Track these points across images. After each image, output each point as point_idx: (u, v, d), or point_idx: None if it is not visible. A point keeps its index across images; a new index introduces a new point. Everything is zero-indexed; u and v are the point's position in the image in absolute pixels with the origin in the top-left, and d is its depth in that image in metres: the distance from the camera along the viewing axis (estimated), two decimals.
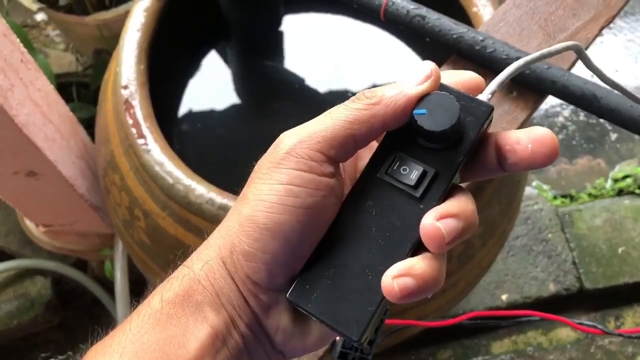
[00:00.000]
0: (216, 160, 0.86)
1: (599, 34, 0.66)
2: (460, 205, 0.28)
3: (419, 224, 0.28)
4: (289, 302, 0.29)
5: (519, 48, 0.62)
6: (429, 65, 0.29)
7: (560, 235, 1.21)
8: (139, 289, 1.01)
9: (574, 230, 1.21)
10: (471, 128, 0.29)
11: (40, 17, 1.46)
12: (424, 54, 0.90)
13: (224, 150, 0.88)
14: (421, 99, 0.29)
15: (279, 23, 0.90)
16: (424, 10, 0.63)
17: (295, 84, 0.89)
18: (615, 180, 1.27)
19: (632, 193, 1.25)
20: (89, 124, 0.95)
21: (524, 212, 1.22)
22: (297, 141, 0.29)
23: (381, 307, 0.28)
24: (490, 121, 0.30)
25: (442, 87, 0.30)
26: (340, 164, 0.32)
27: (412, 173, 0.29)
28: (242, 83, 0.92)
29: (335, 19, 0.93)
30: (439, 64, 0.63)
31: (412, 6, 0.63)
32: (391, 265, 0.27)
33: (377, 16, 0.66)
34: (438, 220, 0.27)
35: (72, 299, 1.18)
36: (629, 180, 1.25)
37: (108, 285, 1.05)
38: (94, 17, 1.03)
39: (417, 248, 0.28)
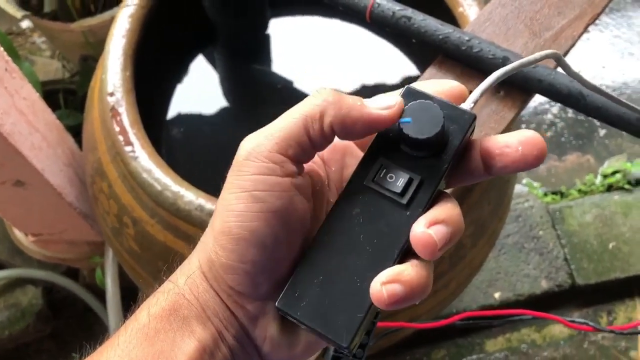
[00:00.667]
0: (206, 164, 0.86)
1: (585, 31, 0.66)
2: (447, 211, 0.28)
3: (406, 231, 0.28)
4: (278, 310, 0.29)
5: (505, 47, 0.62)
6: (396, 99, 0.30)
7: (552, 232, 1.21)
8: (130, 296, 1.01)
9: (565, 226, 1.22)
10: (455, 136, 0.29)
11: (25, 24, 1.45)
12: (412, 55, 0.90)
13: (214, 154, 0.87)
14: (405, 109, 0.29)
15: (265, 26, 0.90)
16: (409, 12, 0.63)
17: (284, 87, 0.89)
18: (605, 176, 1.27)
19: (622, 188, 1.25)
20: (76, 131, 0.94)
21: (514, 210, 1.22)
22: (255, 144, 0.29)
23: (370, 312, 0.28)
24: (473, 129, 0.31)
25: (426, 97, 0.30)
26: (327, 173, 0.32)
27: (398, 180, 0.29)
28: (230, 87, 0.92)
29: (322, 21, 0.93)
30: (427, 64, 0.64)
31: (397, 7, 0.63)
32: (379, 271, 0.27)
33: (363, 18, 0.65)
34: (429, 227, 0.27)
35: (63, 307, 1.17)
36: (618, 176, 1.26)
37: (100, 293, 1.04)
38: (79, 24, 1.02)
39: (405, 254, 0.29)
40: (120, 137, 0.64)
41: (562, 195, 1.27)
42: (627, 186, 1.25)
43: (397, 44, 0.90)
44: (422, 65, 0.89)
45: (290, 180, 0.29)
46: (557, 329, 1.16)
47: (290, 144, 0.29)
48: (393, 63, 0.90)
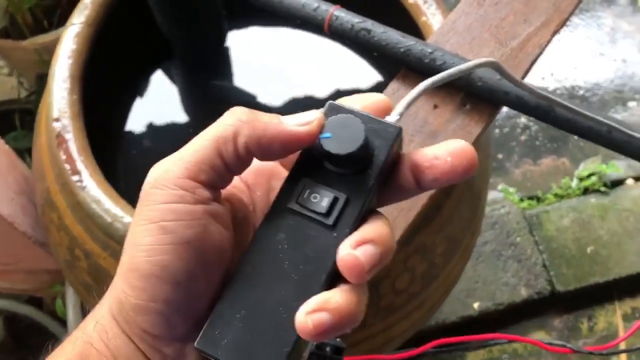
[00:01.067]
0: None
1: (552, 39, 0.64)
2: (375, 229, 0.27)
3: (333, 253, 0.26)
4: (198, 350, 0.26)
5: (470, 58, 0.60)
6: (315, 114, 0.28)
7: (529, 238, 1.19)
8: None
9: (543, 232, 1.20)
10: (380, 151, 0.28)
11: None
12: (377, 65, 0.87)
13: None
14: (325, 124, 0.28)
15: (223, 40, 0.87)
16: (369, 24, 0.60)
17: (247, 101, 0.86)
18: (581, 179, 1.26)
19: (598, 191, 1.24)
20: None
21: (491, 217, 1.20)
22: (163, 171, 0.27)
23: (299, 346, 0.26)
24: (401, 142, 0.29)
25: (348, 111, 0.29)
26: (252, 198, 0.30)
27: (322, 200, 0.28)
28: (189, 103, 0.88)
29: (283, 31, 0.90)
30: (394, 74, 0.61)
31: (356, 20, 0.60)
32: (306, 300, 0.25)
33: (322, 30, 0.63)
34: (355, 249, 0.25)
35: (28, 336, 1.12)
36: (594, 179, 1.24)
37: (65, 320, 1.00)
38: (32, 41, 0.98)
39: (333, 279, 0.27)
40: (67, 166, 0.60)
41: (539, 200, 1.25)
42: (603, 189, 1.24)
43: (363, 55, 0.87)
44: (389, 76, 0.87)
45: (204, 208, 0.27)
46: (539, 337, 1.14)
47: (202, 168, 0.27)
48: (359, 74, 0.88)
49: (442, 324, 1.13)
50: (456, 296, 1.13)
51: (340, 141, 0.27)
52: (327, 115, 0.29)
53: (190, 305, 0.27)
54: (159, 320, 0.26)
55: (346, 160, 0.28)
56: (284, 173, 0.31)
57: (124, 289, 0.26)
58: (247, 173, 0.30)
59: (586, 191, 1.25)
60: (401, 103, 0.30)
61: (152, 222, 0.26)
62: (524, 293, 1.14)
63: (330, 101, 0.29)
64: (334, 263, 0.26)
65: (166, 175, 0.27)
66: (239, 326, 0.26)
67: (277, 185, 0.30)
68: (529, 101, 0.57)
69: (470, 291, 1.14)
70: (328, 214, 0.27)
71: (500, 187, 1.26)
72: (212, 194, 0.27)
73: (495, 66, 0.34)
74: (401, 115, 0.30)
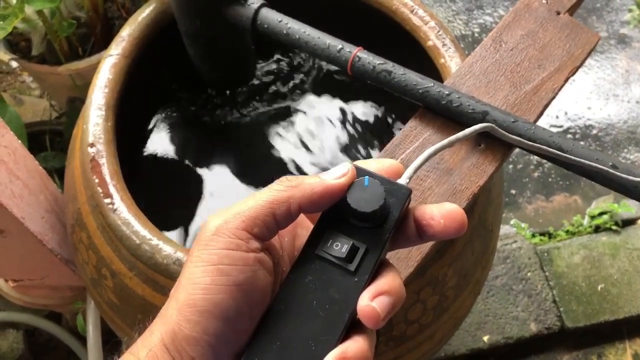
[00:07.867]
0: (192, 212, 0.85)
1: (564, 84, 0.67)
2: (389, 281, 0.31)
3: (355, 296, 0.31)
4: None
5: (486, 101, 0.63)
6: (347, 166, 0.33)
7: (540, 274, 1.20)
8: (112, 339, 0.99)
9: (553, 268, 1.21)
10: (394, 208, 0.33)
11: (15, 63, 1.45)
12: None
13: (194, 203, 0.86)
14: (351, 185, 0.32)
15: (252, 73, 0.91)
16: (390, 66, 0.63)
17: (270, 138, 0.89)
18: (592, 217, 1.27)
19: (609, 229, 1.25)
20: (62, 174, 0.93)
21: (503, 251, 1.22)
22: (223, 222, 0.31)
23: None
24: (410, 201, 0.34)
25: (369, 174, 0.33)
26: (280, 243, 0.35)
27: (346, 250, 0.32)
28: (214, 138, 0.91)
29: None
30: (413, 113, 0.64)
31: (378, 61, 0.64)
32: (332, 335, 0.30)
33: (345, 71, 0.66)
34: (372, 300, 0.30)
35: (46, 351, 1.15)
36: (605, 217, 1.26)
37: (83, 336, 1.02)
38: (66, 67, 1.02)
39: (354, 319, 0.31)
40: (99, 189, 0.64)
41: (550, 236, 1.27)
42: (614, 227, 1.25)
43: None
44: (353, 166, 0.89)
45: (255, 256, 0.31)
46: None
47: (256, 223, 0.31)
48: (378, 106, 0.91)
49: (452, 356, 1.14)
50: (466, 329, 1.15)
51: (365, 200, 0.32)
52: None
53: (236, 339, 0.30)
54: (208, 352, 0.30)
55: (368, 217, 0.32)
56: (307, 222, 0.35)
57: (179, 321, 0.30)
58: None
59: (597, 229, 1.26)
60: (410, 169, 0.36)
61: (211, 264, 0.30)
62: (533, 328, 1.15)
63: (353, 163, 0.34)
64: (355, 305, 0.31)
65: (226, 225, 0.31)
66: (273, 356, 0.30)
67: (302, 232, 0.35)
68: (540, 144, 0.59)
69: (481, 324, 1.15)
70: (350, 261, 0.32)
71: (512, 222, 1.28)
72: (261, 244, 0.32)
73: (491, 129, 0.39)
74: (410, 178, 0.35)
